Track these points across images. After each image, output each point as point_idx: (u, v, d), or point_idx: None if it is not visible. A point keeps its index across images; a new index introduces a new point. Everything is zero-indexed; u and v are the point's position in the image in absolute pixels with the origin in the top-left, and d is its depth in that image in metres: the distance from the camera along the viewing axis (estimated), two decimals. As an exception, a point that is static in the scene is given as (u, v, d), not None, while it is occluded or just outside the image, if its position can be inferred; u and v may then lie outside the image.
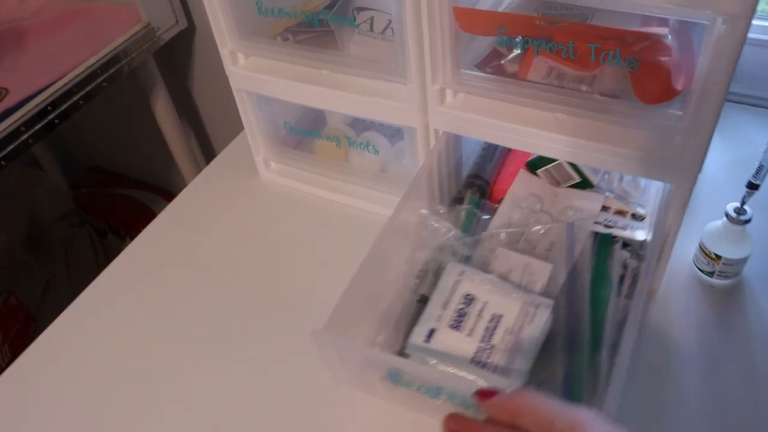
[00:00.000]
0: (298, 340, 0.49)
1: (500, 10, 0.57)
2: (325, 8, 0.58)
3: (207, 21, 1.12)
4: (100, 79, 1.02)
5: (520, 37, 0.51)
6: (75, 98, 1.00)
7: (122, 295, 0.68)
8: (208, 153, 1.44)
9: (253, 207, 0.74)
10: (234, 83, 0.67)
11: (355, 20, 0.58)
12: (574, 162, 0.59)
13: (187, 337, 0.62)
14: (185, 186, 1.52)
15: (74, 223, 1.71)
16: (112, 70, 1.04)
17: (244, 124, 0.71)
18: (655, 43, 0.48)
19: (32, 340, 1.44)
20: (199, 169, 1.34)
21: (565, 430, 0.34)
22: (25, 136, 0.95)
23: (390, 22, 0.57)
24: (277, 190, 0.75)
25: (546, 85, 0.53)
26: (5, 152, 0.93)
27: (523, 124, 0.54)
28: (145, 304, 0.67)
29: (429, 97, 0.56)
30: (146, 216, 1.56)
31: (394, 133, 0.69)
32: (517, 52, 0.55)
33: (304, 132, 0.71)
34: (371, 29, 0.58)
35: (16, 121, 0.93)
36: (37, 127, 0.96)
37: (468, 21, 0.51)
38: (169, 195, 1.61)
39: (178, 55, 1.23)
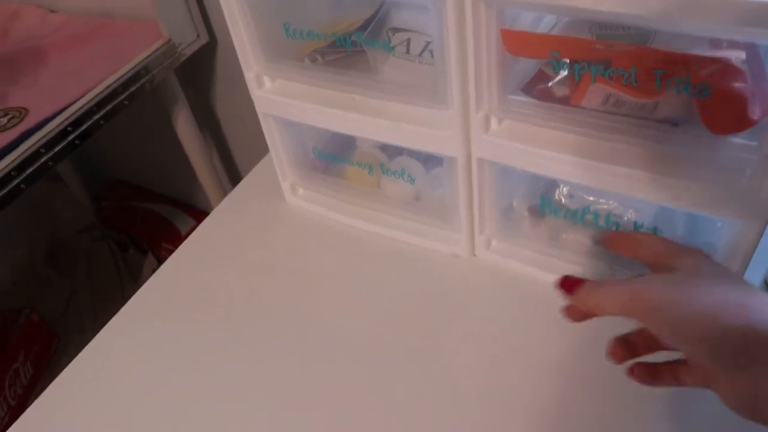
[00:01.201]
0: (328, 373, 0.45)
1: (541, 29, 0.53)
2: (357, 29, 0.54)
3: (228, 34, 1.09)
4: (121, 97, 1.00)
5: (572, 62, 0.46)
6: (96, 117, 0.97)
7: (144, 329, 0.64)
8: (230, 168, 1.41)
9: (279, 235, 0.70)
10: (259, 107, 0.63)
11: (390, 42, 0.54)
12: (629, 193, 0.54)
13: (210, 374, 0.59)
14: (207, 201, 1.50)
15: (96, 236, 1.69)
16: (133, 88, 1.01)
17: (270, 148, 0.67)
18: (726, 68, 0.43)
19: (55, 357, 1.42)
20: (221, 185, 1.31)
21: (685, 254, 0.38)
22: (45, 158, 0.92)
23: (428, 44, 0.53)
24: (304, 216, 0.71)
25: (602, 112, 0.49)
26: (24, 175, 0.91)
27: (577, 154, 0.49)
28: (168, 338, 0.63)
29: (472, 124, 0.52)
30: (168, 231, 1.54)
31: (429, 159, 0.65)
32: (565, 73, 0.50)
33: (334, 157, 0.67)
34: (407, 51, 0.54)
35: (36, 143, 0.91)
36: (57, 149, 0.93)
37: (517, 44, 0.47)
38: (191, 209, 1.59)
39: (199, 69, 1.20)
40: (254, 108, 1.09)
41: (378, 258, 0.66)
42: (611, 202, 0.55)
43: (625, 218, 0.55)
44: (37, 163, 0.92)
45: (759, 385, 0.31)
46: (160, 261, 1.57)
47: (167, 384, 0.59)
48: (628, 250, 0.43)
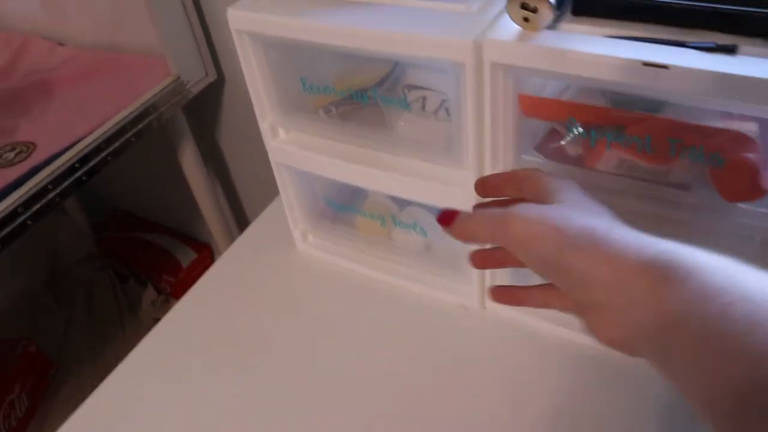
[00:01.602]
0: (335, 420, 0.44)
1: (553, 89, 0.54)
2: (374, 86, 0.55)
3: (237, 72, 1.11)
4: (128, 134, 1.00)
5: (587, 127, 0.47)
6: (103, 154, 0.98)
7: (147, 383, 0.64)
8: (233, 203, 1.42)
9: (290, 282, 0.70)
10: (273, 157, 0.63)
11: (406, 99, 0.55)
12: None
13: (218, 418, 0.58)
14: (209, 233, 1.50)
15: (96, 266, 1.68)
16: (141, 125, 1.02)
17: (282, 196, 0.68)
18: (740, 138, 0.44)
19: (51, 389, 1.40)
20: (224, 220, 1.31)
21: (523, 177, 0.40)
22: (52, 194, 0.92)
23: (443, 101, 0.54)
24: (315, 264, 0.71)
25: (614, 174, 0.49)
26: (31, 212, 0.91)
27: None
28: (170, 392, 0.63)
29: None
30: (169, 263, 1.53)
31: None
32: (577, 132, 0.51)
33: (344, 207, 0.68)
34: (423, 108, 0.54)
35: (43, 179, 0.91)
36: (64, 185, 0.94)
37: (534, 108, 0.47)
38: (192, 241, 1.58)
39: (206, 106, 1.20)
40: (260, 146, 1.10)
41: (388, 306, 0.66)
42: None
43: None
44: (44, 200, 0.92)
45: (625, 319, 0.32)
46: (160, 293, 1.57)
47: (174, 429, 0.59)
48: (512, 189, 0.42)
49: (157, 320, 1.54)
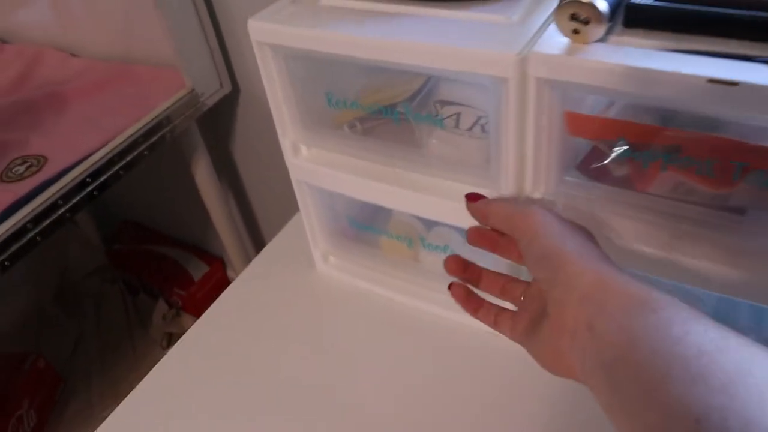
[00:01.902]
0: None
1: (594, 106, 0.50)
2: (404, 101, 0.52)
3: (251, 83, 1.08)
4: (141, 148, 0.97)
5: (638, 147, 0.43)
6: (115, 168, 0.95)
7: (158, 412, 0.60)
8: (246, 215, 1.39)
9: (308, 307, 0.66)
10: (294, 175, 0.60)
11: (438, 115, 0.51)
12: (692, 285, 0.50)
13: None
14: (221, 246, 1.47)
15: (106, 278, 1.66)
16: (154, 138, 0.99)
17: (303, 215, 0.64)
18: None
19: (60, 404, 1.38)
20: (238, 234, 1.28)
21: (519, 221, 0.41)
22: (63, 209, 0.90)
23: (479, 118, 0.50)
24: (335, 286, 0.68)
25: (665, 198, 0.45)
26: (41, 227, 0.88)
27: (639, 242, 0.46)
28: (182, 423, 0.59)
29: (526, 206, 0.49)
30: (181, 276, 1.50)
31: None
32: (622, 152, 0.47)
33: (369, 228, 0.64)
34: (457, 126, 0.51)
35: (54, 194, 0.88)
36: (75, 200, 0.91)
37: (581, 127, 0.44)
38: (204, 254, 1.55)
39: (220, 118, 1.18)
40: (275, 158, 1.07)
41: (413, 331, 0.62)
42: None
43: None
44: (54, 216, 0.89)
45: (586, 329, 0.34)
46: (171, 306, 1.54)
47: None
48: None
49: (168, 335, 1.52)
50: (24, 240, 0.86)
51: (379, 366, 0.60)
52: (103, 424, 0.60)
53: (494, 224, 0.44)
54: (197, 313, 1.53)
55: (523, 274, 0.47)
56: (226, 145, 1.23)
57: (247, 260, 1.31)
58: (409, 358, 0.61)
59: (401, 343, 0.62)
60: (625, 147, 0.46)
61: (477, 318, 0.48)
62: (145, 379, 0.63)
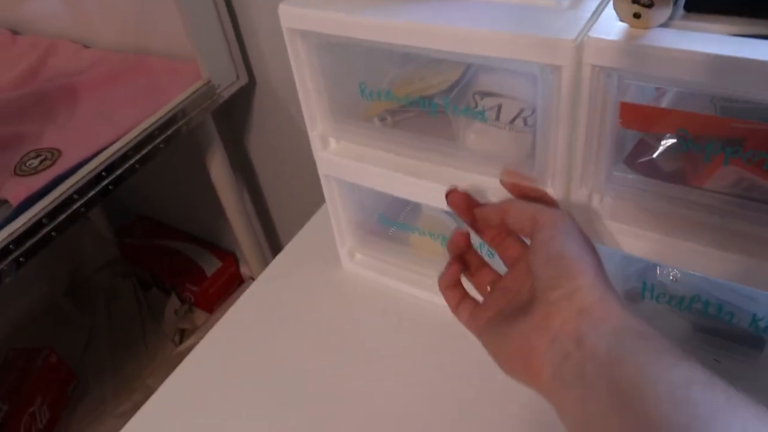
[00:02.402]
0: None
1: (643, 96, 0.47)
2: (441, 92, 0.49)
3: (268, 75, 1.05)
4: (157, 141, 0.95)
5: (698, 140, 0.41)
6: (131, 162, 0.92)
7: (178, 417, 0.58)
8: (261, 211, 1.36)
9: (334, 305, 0.64)
10: (322, 169, 0.58)
11: (477, 107, 0.48)
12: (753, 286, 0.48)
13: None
14: (234, 241, 1.45)
15: (118, 272, 1.64)
16: (170, 131, 0.96)
17: (330, 212, 0.62)
18: None
19: (72, 400, 1.36)
20: (252, 229, 1.26)
21: (545, 217, 0.40)
22: (78, 204, 0.87)
23: (522, 110, 0.48)
24: (362, 284, 0.65)
25: (721, 193, 0.43)
26: (56, 222, 0.86)
27: (694, 241, 0.43)
28: (207, 421, 0.57)
29: (573, 201, 0.46)
30: (193, 271, 1.48)
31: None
32: (669, 143, 0.45)
33: (398, 224, 0.62)
34: (497, 118, 0.48)
35: (69, 188, 0.86)
36: (90, 194, 0.89)
37: (636, 119, 0.41)
38: (217, 249, 1.54)
39: (235, 110, 1.15)
40: (290, 151, 1.04)
41: (444, 332, 0.60)
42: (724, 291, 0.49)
43: (742, 310, 0.48)
44: (70, 210, 0.87)
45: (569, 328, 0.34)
46: (183, 302, 1.52)
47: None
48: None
49: (180, 330, 1.51)
50: (39, 235, 0.84)
51: (405, 366, 0.58)
52: (126, 427, 0.58)
53: (513, 218, 0.42)
54: (209, 309, 1.52)
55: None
56: (241, 137, 1.21)
57: (262, 256, 1.29)
58: (436, 357, 0.58)
59: (428, 338, 0.60)
60: (674, 140, 0.43)
61: (443, 291, 0.47)
62: (167, 380, 0.61)
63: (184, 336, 1.48)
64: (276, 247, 1.44)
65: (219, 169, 1.13)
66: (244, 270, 1.55)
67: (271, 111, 1.10)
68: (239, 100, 1.11)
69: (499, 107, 0.48)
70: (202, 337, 1.49)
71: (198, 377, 0.61)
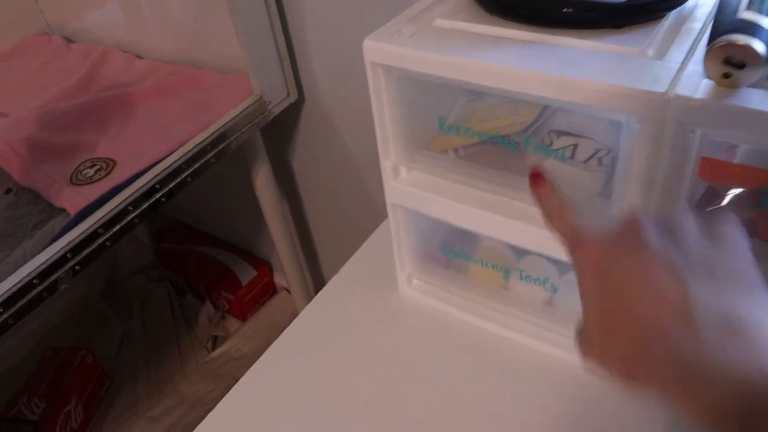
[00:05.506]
0: None
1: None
2: (521, 131, 0.50)
3: (316, 92, 1.07)
4: (209, 156, 0.97)
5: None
6: (183, 176, 0.94)
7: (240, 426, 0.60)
8: (299, 223, 1.38)
9: (391, 331, 0.65)
10: (391, 198, 0.59)
11: (552, 145, 0.50)
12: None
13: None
14: (272, 253, 1.47)
15: (153, 277, 1.67)
16: (221, 146, 0.98)
17: (393, 238, 0.63)
18: None
19: (105, 401, 1.38)
20: (292, 242, 1.28)
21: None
22: (132, 215, 0.90)
23: (598, 151, 0.49)
24: (419, 309, 0.66)
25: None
26: (111, 233, 0.88)
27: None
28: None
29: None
30: (229, 279, 1.50)
31: (561, 261, 0.60)
32: (736, 192, 0.45)
33: (459, 254, 0.63)
34: (572, 157, 0.49)
35: (124, 200, 0.88)
36: (144, 206, 0.91)
37: (715, 173, 0.42)
38: (251, 258, 1.56)
39: (282, 126, 1.17)
40: (332, 166, 1.04)
41: (497, 361, 0.61)
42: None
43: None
44: (124, 222, 0.89)
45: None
46: (217, 309, 1.54)
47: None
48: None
49: (213, 337, 1.52)
50: (95, 245, 0.86)
51: (459, 392, 0.59)
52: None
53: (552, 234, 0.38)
54: (242, 317, 1.54)
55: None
56: (286, 152, 1.23)
57: (299, 267, 1.31)
58: (489, 382, 0.59)
59: (484, 368, 0.60)
60: (744, 192, 0.44)
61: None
62: (218, 404, 0.61)
63: (217, 343, 1.50)
64: (312, 260, 1.46)
65: (263, 183, 1.15)
66: (278, 280, 1.56)
67: (318, 128, 1.12)
68: (287, 116, 1.13)
69: (575, 147, 0.49)
70: (234, 345, 1.51)
71: (249, 401, 0.62)
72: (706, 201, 0.48)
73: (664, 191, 0.44)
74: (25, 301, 0.78)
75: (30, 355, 1.44)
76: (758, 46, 0.36)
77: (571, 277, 0.59)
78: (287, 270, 1.30)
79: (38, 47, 1.30)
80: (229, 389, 0.63)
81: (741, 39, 0.36)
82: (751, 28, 0.37)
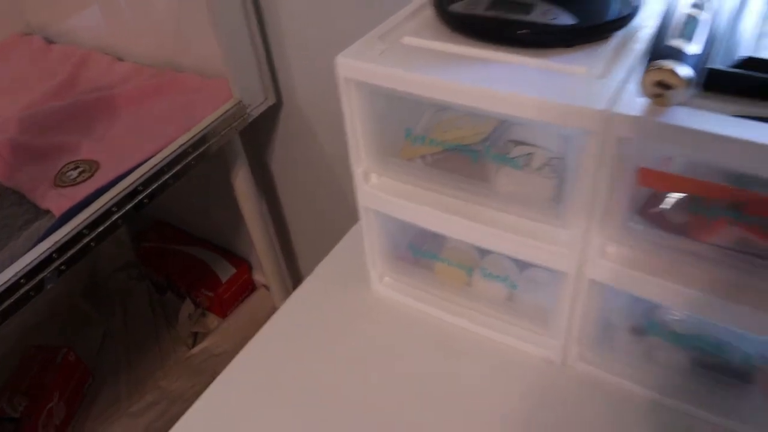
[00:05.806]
0: None
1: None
2: (481, 141, 0.55)
3: (294, 96, 1.11)
4: (190, 158, 1.00)
5: (704, 202, 0.47)
6: (165, 177, 0.98)
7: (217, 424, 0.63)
8: (278, 222, 1.42)
9: (365, 327, 0.69)
10: (363, 201, 0.63)
11: (510, 154, 0.54)
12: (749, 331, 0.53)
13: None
14: (251, 251, 1.50)
15: (133, 275, 1.69)
16: (202, 148, 1.02)
17: (365, 240, 0.67)
18: None
19: (87, 398, 1.40)
20: (271, 241, 1.31)
21: None
22: (116, 216, 0.93)
23: (551, 159, 0.53)
24: (391, 306, 0.71)
25: (725, 249, 0.48)
26: (96, 233, 0.91)
27: (697, 288, 0.49)
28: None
29: (590, 248, 0.52)
30: (208, 277, 1.54)
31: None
32: (677, 197, 0.50)
33: (427, 254, 0.67)
34: (528, 164, 0.54)
35: (108, 201, 0.91)
36: (127, 208, 0.94)
37: (651, 181, 0.47)
38: (232, 256, 1.59)
39: (260, 128, 1.21)
40: (309, 167, 1.08)
41: (464, 354, 0.65)
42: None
43: (736, 347, 0.54)
44: (108, 222, 0.92)
45: None
46: (197, 306, 1.57)
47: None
48: None
49: (194, 334, 1.55)
50: (80, 245, 0.89)
51: (430, 383, 0.63)
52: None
53: None
54: (222, 314, 1.57)
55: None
56: (264, 153, 1.26)
57: (277, 265, 1.34)
58: (454, 373, 0.63)
59: (449, 359, 0.65)
60: (681, 196, 0.49)
61: None
62: (199, 400, 0.64)
63: (197, 339, 1.53)
64: (290, 258, 1.49)
65: (242, 183, 1.18)
66: (257, 277, 1.60)
67: (296, 131, 1.16)
68: (265, 119, 1.16)
69: (530, 155, 0.53)
70: (215, 341, 1.53)
71: (226, 399, 0.65)
72: (649, 204, 0.53)
73: (608, 196, 0.48)
74: (12, 300, 0.81)
75: (11, 353, 1.46)
76: (682, 70, 0.41)
77: (530, 274, 0.64)
78: (266, 268, 1.34)
79: (19, 47, 1.31)
80: (210, 385, 0.66)
81: (668, 64, 0.40)
82: (678, 54, 0.42)
